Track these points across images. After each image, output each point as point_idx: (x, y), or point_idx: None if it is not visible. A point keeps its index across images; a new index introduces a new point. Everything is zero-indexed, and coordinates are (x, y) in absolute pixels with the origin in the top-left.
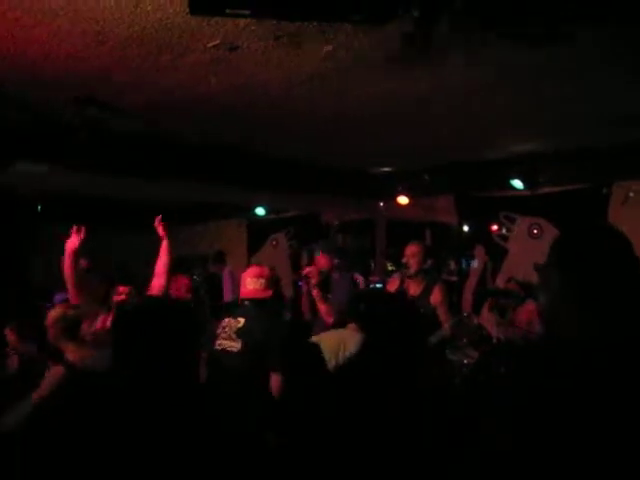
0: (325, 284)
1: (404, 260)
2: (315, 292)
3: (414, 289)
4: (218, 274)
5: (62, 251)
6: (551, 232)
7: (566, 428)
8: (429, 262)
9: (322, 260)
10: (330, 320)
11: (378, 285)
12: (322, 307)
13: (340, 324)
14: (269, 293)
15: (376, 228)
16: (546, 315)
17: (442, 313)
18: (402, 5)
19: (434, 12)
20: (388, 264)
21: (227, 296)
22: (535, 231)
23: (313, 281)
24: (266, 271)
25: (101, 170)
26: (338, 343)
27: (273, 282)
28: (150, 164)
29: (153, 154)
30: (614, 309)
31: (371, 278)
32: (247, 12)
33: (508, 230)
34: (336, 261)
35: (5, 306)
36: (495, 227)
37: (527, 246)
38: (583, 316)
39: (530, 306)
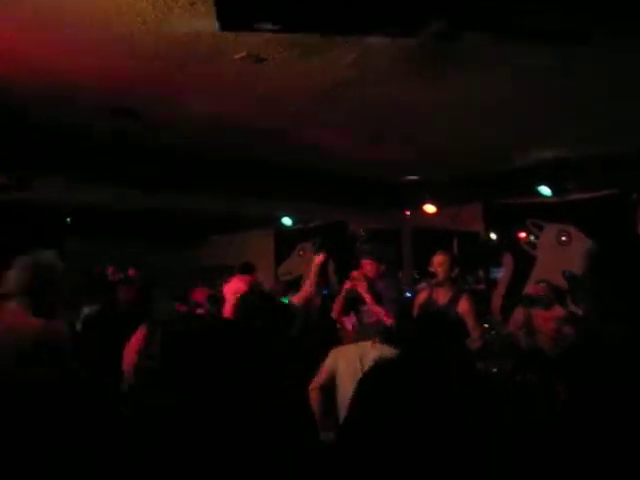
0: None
1: (431, 269)
2: (368, 297)
3: (442, 298)
4: None
5: (89, 262)
6: (580, 239)
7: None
8: (456, 271)
9: (369, 266)
10: (389, 321)
11: (407, 295)
12: (378, 309)
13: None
14: None
15: (402, 237)
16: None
17: (470, 322)
18: (430, 17)
19: (460, 23)
20: (415, 273)
21: None
22: (563, 238)
23: (363, 285)
24: (241, 283)
25: (130, 183)
26: (357, 353)
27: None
28: (178, 177)
29: (181, 167)
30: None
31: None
32: (275, 27)
33: (536, 237)
34: (383, 268)
35: None
36: (523, 234)
37: (555, 253)
38: (612, 326)
39: (556, 312)
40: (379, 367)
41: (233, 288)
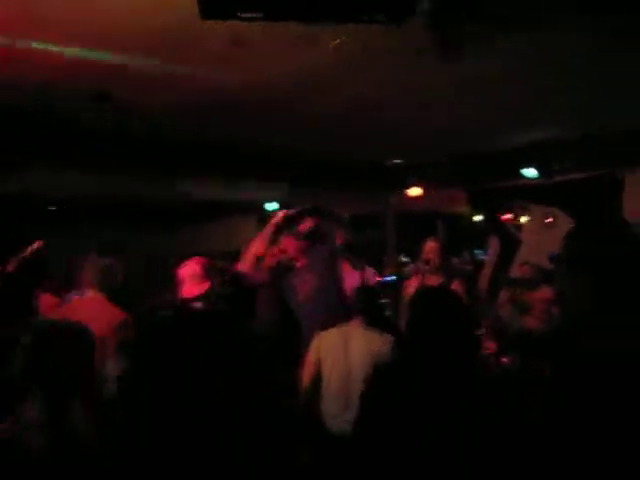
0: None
1: (423, 257)
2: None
3: (434, 284)
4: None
5: (80, 250)
6: (565, 221)
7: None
8: (447, 257)
9: (288, 243)
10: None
11: (389, 278)
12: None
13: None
14: (205, 286)
15: (386, 221)
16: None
17: None
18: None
19: (446, 8)
20: (401, 257)
21: None
22: (549, 220)
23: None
24: (197, 265)
25: (117, 170)
26: (341, 337)
27: (208, 273)
28: (164, 163)
29: (167, 153)
30: (619, 306)
31: (385, 271)
32: (260, 15)
33: (521, 219)
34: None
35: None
36: (508, 217)
37: (541, 235)
38: (590, 310)
39: (545, 293)
40: (382, 362)
41: (190, 271)
